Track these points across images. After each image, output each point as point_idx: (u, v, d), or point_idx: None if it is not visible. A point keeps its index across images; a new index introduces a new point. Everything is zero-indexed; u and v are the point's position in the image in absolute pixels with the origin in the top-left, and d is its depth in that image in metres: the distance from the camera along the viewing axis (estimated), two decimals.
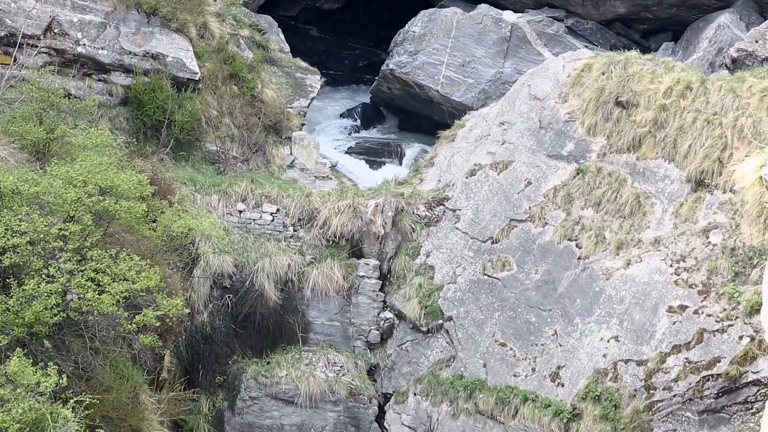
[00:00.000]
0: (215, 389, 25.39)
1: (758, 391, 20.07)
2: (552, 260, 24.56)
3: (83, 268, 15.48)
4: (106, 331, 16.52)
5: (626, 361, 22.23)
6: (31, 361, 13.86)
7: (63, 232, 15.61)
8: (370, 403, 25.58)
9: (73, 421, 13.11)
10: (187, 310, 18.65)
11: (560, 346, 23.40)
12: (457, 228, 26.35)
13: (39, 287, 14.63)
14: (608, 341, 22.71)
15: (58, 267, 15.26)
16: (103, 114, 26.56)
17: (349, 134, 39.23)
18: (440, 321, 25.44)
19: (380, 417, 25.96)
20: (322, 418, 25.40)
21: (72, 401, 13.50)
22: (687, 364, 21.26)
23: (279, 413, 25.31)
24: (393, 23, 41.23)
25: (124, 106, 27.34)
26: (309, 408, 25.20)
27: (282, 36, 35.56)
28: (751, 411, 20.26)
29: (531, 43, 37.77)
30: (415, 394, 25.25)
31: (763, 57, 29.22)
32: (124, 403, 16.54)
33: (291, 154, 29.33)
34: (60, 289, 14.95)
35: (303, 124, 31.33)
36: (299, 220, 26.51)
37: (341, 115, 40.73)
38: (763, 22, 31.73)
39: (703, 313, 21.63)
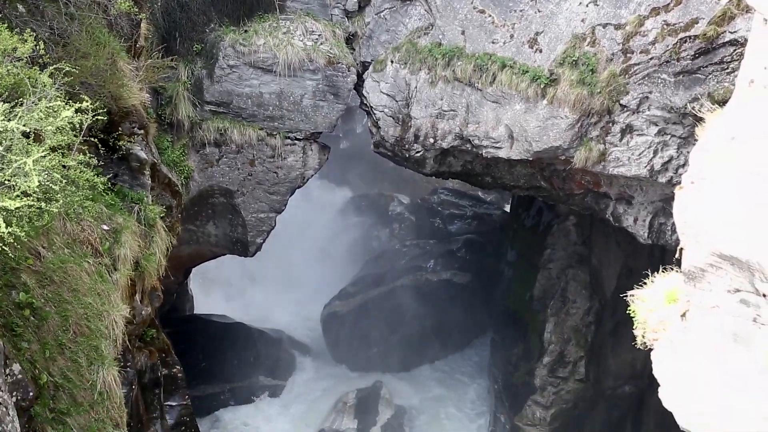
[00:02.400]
0: (193, 57, 25.36)
1: (734, 50, 20.14)
2: None
3: None
4: None
5: (604, 26, 22.19)
6: (6, 25, 13.67)
7: None
8: (349, 71, 25.66)
9: (52, 87, 13.05)
10: None
11: (539, 12, 23.24)
12: None
13: None
14: (587, 6, 22.56)
15: None
16: None
17: None
18: None
19: (359, 85, 26.18)
20: (301, 87, 25.56)
21: (51, 68, 13.41)
22: (665, 26, 21.22)
23: (258, 81, 25.41)
24: None
25: None
26: (288, 76, 25.30)
27: None
28: (726, 71, 20.46)
29: None
30: (393, 62, 25.29)
31: None
32: (103, 69, 16.56)
33: None
34: None
35: None
36: None
37: None
38: None
39: None
